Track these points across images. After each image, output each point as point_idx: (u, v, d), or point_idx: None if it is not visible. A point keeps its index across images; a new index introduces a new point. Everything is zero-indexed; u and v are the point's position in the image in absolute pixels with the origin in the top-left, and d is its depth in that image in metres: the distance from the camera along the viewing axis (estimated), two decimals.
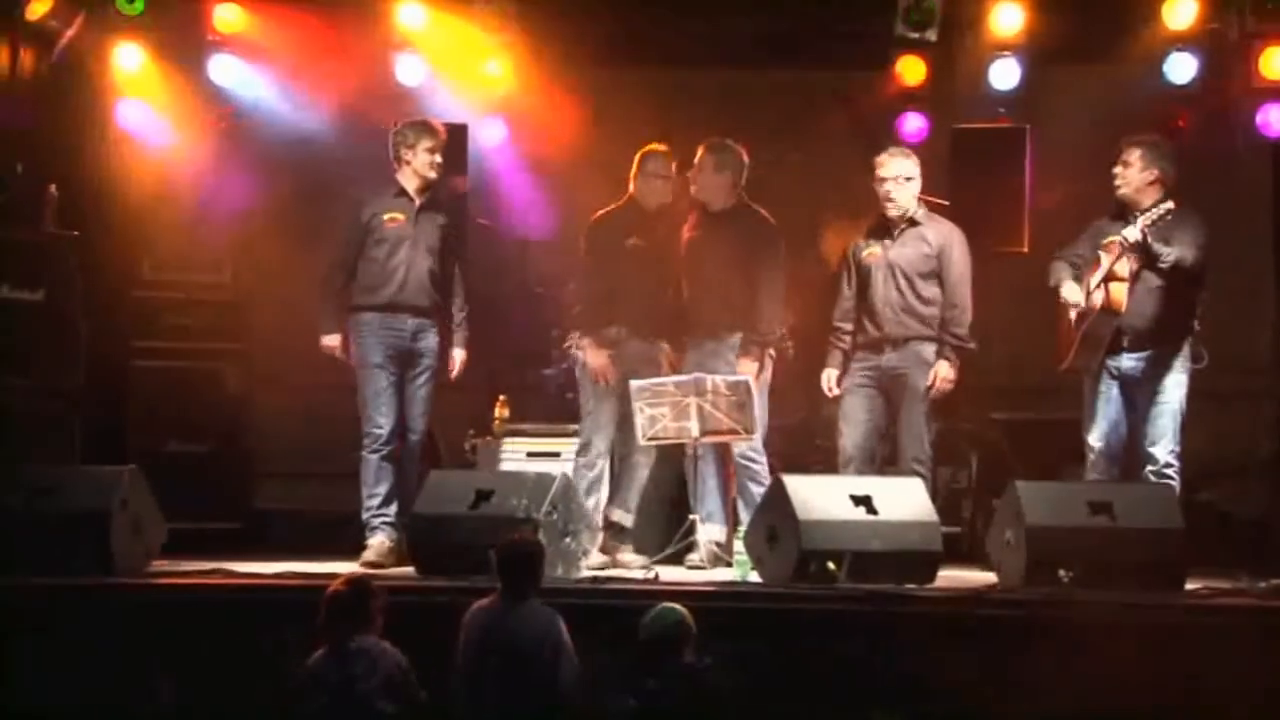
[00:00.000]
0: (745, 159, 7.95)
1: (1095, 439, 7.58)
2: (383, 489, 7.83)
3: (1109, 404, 7.56)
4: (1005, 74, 8.80)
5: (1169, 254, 7.35)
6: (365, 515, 7.83)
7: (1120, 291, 7.41)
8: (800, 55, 9.30)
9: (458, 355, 7.96)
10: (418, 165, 7.87)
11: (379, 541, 7.77)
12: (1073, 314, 7.59)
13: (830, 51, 9.22)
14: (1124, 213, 7.58)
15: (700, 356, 7.95)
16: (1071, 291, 7.56)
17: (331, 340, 7.91)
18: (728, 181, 7.94)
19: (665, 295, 7.98)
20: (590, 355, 7.95)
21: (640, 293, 7.90)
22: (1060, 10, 8.69)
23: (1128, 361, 7.52)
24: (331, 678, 5.69)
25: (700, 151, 8.00)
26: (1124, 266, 7.40)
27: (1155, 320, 7.47)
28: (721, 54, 9.28)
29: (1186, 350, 7.49)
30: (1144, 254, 7.36)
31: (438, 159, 7.89)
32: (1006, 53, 8.78)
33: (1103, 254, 7.50)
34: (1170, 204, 7.35)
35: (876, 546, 6.91)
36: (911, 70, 8.87)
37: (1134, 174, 7.53)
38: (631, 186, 7.98)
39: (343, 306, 7.92)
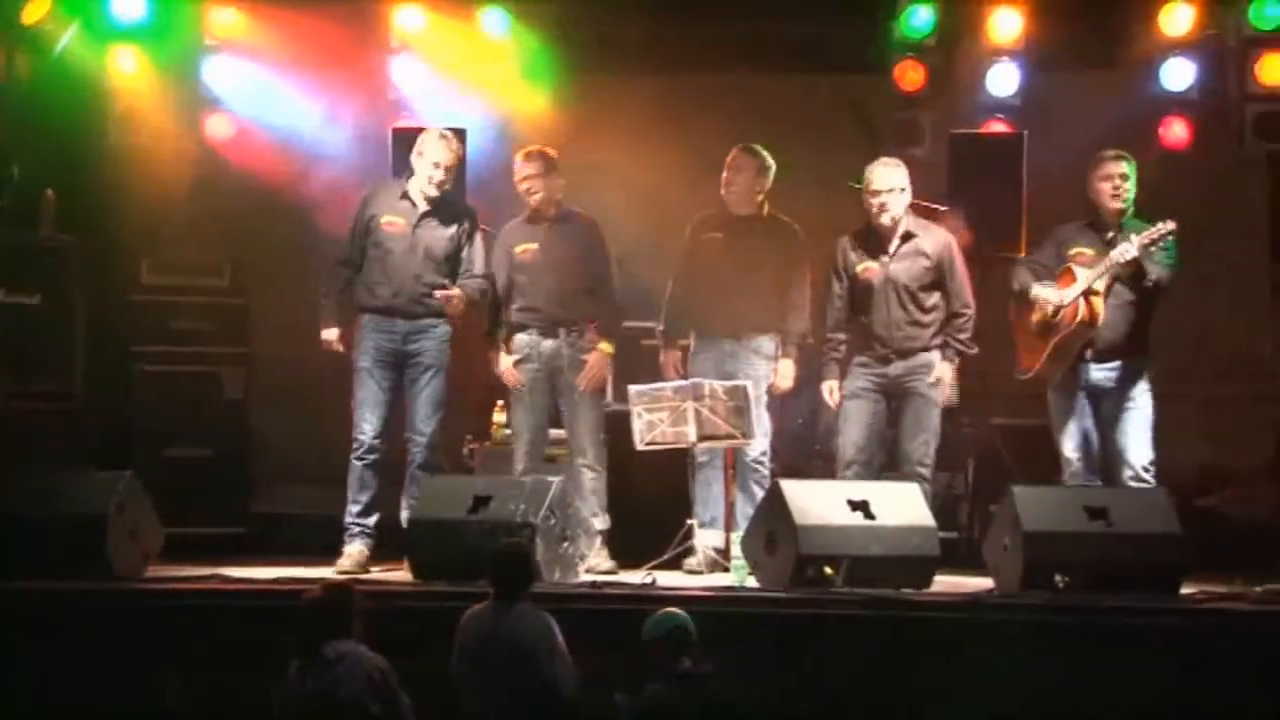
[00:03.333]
0: (773, 166, 7.99)
1: (1071, 450, 7.58)
2: (365, 496, 7.80)
3: (1080, 415, 7.56)
4: (1003, 79, 8.81)
5: (1156, 272, 7.37)
6: (346, 521, 7.81)
7: (1100, 305, 7.42)
8: (805, 60, 9.31)
9: (455, 290, 7.78)
10: (420, 175, 7.84)
11: (356, 550, 7.74)
12: (1034, 319, 7.58)
13: (836, 56, 9.22)
14: (1096, 224, 7.58)
15: (717, 356, 7.97)
16: (1046, 291, 7.55)
17: (329, 334, 7.89)
18: (760, 186, 7.98)
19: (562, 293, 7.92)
20: (498, 361, 7.97)
21: (535, 293, 7.90)
22: (1059, 16, 8.70)
23: (1096, 373, 7.53)
24: (309, 685, 5.67)
25: (736, 154, 8.02)
26: (1102, 281, 7.40)
27: (1124, 333, 7.49)
28: (723, 59, 9.28)
29: (1149, 361, 7.51)
30: (1135, 272, 7.36)
31: (439, 175, 7.78)
32: (1005, 58, 8.79)
33: (1077, 267, 7.48)
34: (1173, 224, 7.31)
35: (874, 551, 6.92)
36: (910, 75, 8.87)
37: (1131, 186, 7.54)
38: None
39: (345, 300, 7.90)
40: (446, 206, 7.90)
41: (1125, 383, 7.50)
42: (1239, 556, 7.87)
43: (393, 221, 7.87)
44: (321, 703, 5.62)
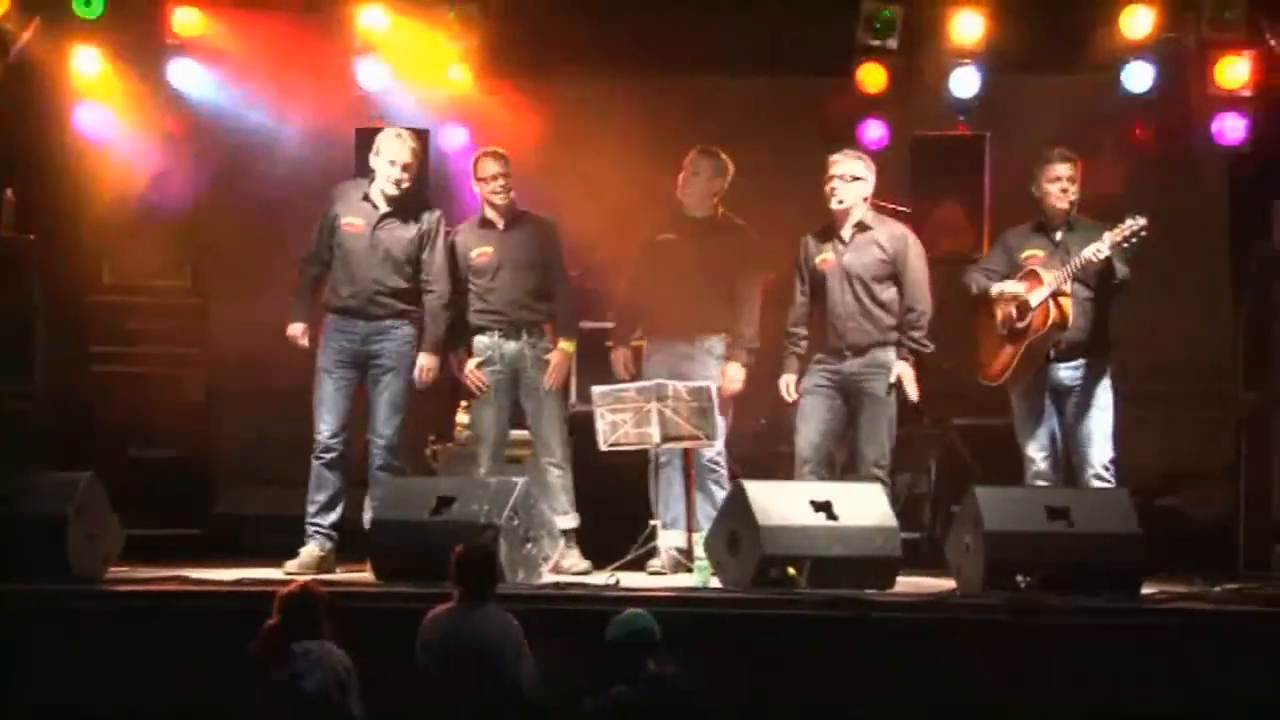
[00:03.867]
0: (731, 168, 8.00)
1: (1035, 450, 7.61)
2: (322, 496, 7.78)
3: (1044, 414, 7.59)
4: (965, 82, 8.85)
5: (1123, 270, 7.42)
6: (306, 521, 7.79)
7: (1069, 306, 7.45)
8: (769, 62, 9.34)
9: (421, 361, 7.85)
10: (379, 175, 7.83)
11: (308, 550, 7.70)
12: (1000, 318, 7.61)
13: (799, 58, 9.25)
14: (1044, 226, 7.61)
15: (671, 359, 7.97)
16: (1010, 285, 7.57)
17: (295, 329, 7.86)
18: (717, 188, 7.99)
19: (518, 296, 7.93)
20: (459, 364, 7.97)
21: (494, 297, 7.90)
22: (1020, 19, 8.74)
23: (1060, 372, 7.56)
24: (277, 679, 5.66)
25: (694, 156, 8.02)
26: (1069, 282, 7.44)
27: (1087, 332, 7.52)
28: (688, 61, 9.29)
29: (1111, 359, 7.55)
30: (1104, 270, 7.40)
31: (398, 174, 7.75)
32: (966, 61, 8.83)
33: (1040, 269, 7.50)
34: (1144, 220, 7.33)
35: (837, 552, 6.93)
36: (872, 78, 8.90)
37: (1077, 186, 7.58)
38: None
39: (313, 298, 7.88)
40: (407, 207, 7.87)
41: (1088, 381, 7.53)
42: (1199, 556, 7.93)
43: (352, 223, 7.84)
44: (288, 697, 5.59)
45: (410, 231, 7.85)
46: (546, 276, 7.94)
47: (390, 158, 7.78)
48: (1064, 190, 7.58)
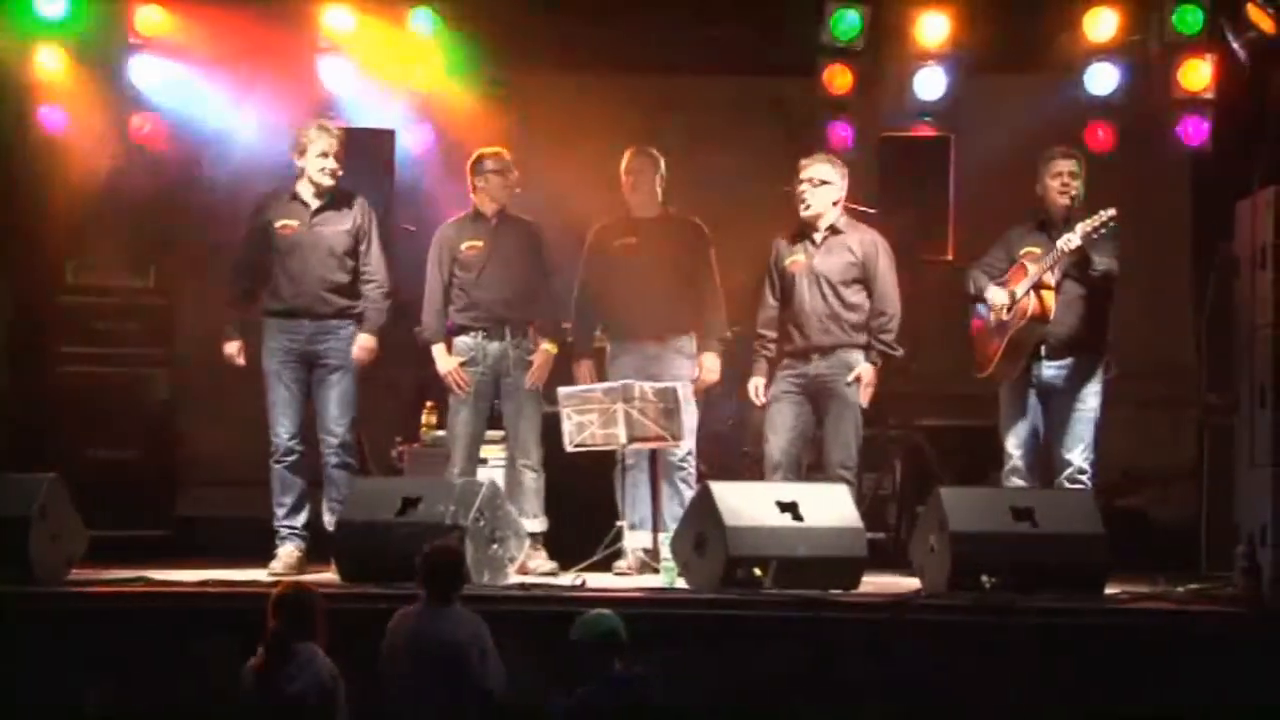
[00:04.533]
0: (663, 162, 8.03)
1: (1014, 446, 7.65)
2: (289, 498, 7.78)
3: (1028, 411, 7.63)
4: (930, 83, 8.87)
5: (1102, 263, 7.44)
6: (275, 524, 7.78)
7: (1051, 299, 7.48)
8: (735, 61, 9.34)
9: (360, 339, 7.79)
10: (310, 170, 7.78)
11: (287, 552, 7.71)
12: (991, 319, 7.65)
13: (765, 58, 9.26)
14: (1045, 223, 7.65)
15: (640, 360, 7.97)
16: (997, 295, 7.63)
17: (230, 349, 7.86)
18: (661, 185, 8.01)
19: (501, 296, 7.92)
20: (439, 361, 7.94)
21: (479, 292, 7.89)
22: (985, 21, 8.77)
23: (1048, 370, 7.60)
24: (264, 679, 5.64)
25: (633, 157, 8.03)
26: (1052, 275, 7.48)
27: (1076, 330, 7.56)
28: (654, 60, 9.29)
29: (1102, 360, 7.58)
30: (1080, 261, 7.44)
31: (331, 164, 7.76)
32: (932, 62, 8.85)
33: (1028, 263, 7.56)
34: (1113, 210, 7.39)
35: (802, 552, 6.94)
36: (838, 79, 8.91)
37: (1081, 184, 7.60)
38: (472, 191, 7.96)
39: (245, 312, 7.86)
40: (339, 201, 7.86)
41: (1076, 381, 7.55)
42: (1162, 557, 7.97)
43: (287, 224, 7.81)
44: (274, 697, 5.59)
45: (345, 223, 7.84)
46: (532, 277, 7.94)
47: (321, 150, 7.76)
48: (1064, 186, 7.61)
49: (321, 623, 5.74)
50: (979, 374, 7.75)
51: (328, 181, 7.79)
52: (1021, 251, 7.65)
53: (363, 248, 7.85)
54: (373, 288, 7.87)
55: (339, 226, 7.83)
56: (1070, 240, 7.39)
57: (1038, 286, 7.48)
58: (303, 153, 7.78)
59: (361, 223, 7.87)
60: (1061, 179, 7.62)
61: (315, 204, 7.82)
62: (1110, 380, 7.61)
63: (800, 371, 7.84)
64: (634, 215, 8.07)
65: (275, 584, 6.29)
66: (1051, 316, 7.49)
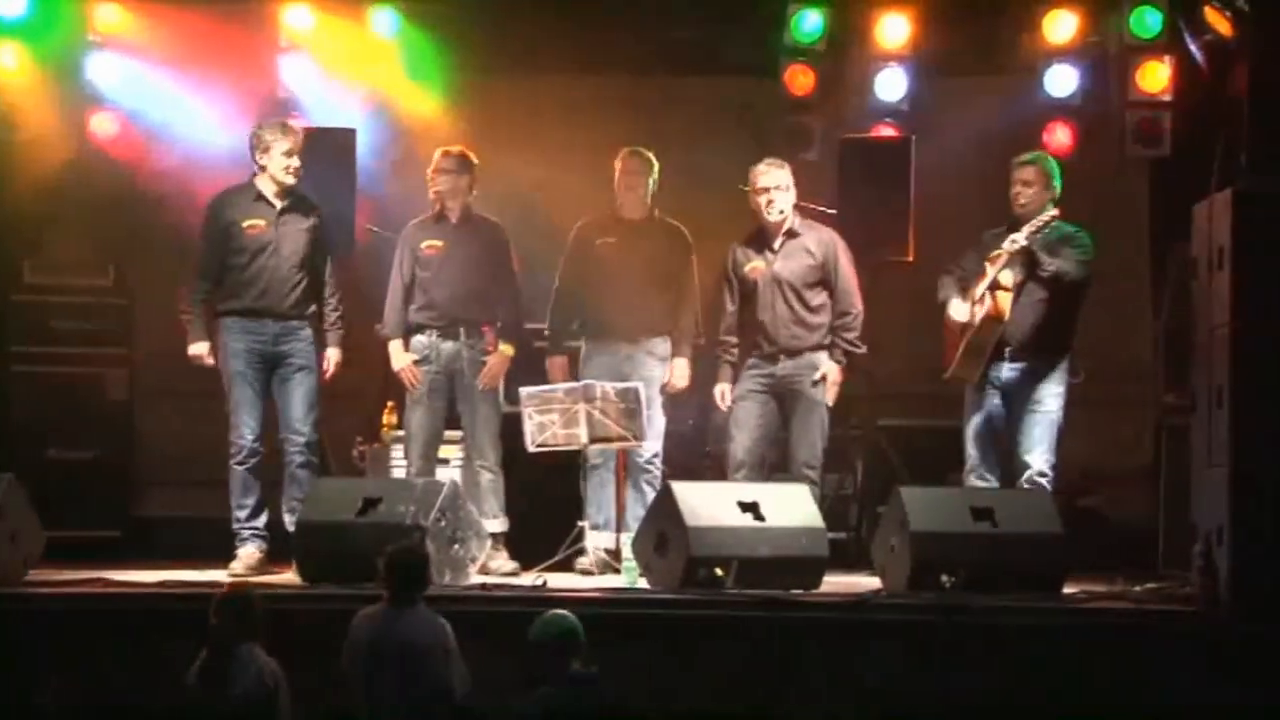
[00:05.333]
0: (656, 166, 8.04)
1: (972, 445, 7.68)
2: (250, 500, 7.75)
3: (989, 412, 7.67)
4: (892, 85, 8.89)
5: (1051, 263, 7.48)
6: (235, 526, 7.74)
7: (1006, 300, 7.52)
8: (699, 64, 9.35)
9: (331, 355, 7.83)
10: (274, 169, 7.75)
11: (248, 553, 7.68)
12: (959, 326, 7.69)
13: (729, 60, 9.26)
14: (1015, 227, 7.69)
15: (612, 361, 7.98)
16: (958, 310, 7.67)
17: (198, 349, 7.80)
18: (653, 188, 8.02)
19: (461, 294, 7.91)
20: (394, 357, 7.93)
21: (437, 290, 7.88)
22: (946, 23, 8.80)
23: (1008, 371, 7.64)
24: (207, 681, 5.62)
25: (628, 158, 8.04)
26: (1008, 276, 7.52)
27: (1037, 332, 7.59)
28: (619, 62, 9.29)
29: (1066, 363, 7.63)
30: (1028, 261, 7.49)
31: (295, 162, 7.74)
32: (893, 64, 8.87)
33: (988, 265, 7.61)
34: (1054, 211, 7.48)
35: (764, 553, 6.96)
36: (799, 79, 8.93)
37: (1036, 192, 7.63)
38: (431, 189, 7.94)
39: (210, 313, 7.82)
40: (300, 201, 7.85)
41: (1034, 382, 7.58)
42: (1120, 556, 8.02)
43: (254, 224, 7.77)
44: (216, 699, 5.57)
45: (307, 223, 7.82)
46: (494, 278, 7.93)
47: (284, 148, 7.73)
48: (1016, 194, 7.65)
49: (260, 622, 5.72)
50: (943, 376, 7.79)
51: (291, 180, 7.76)
52: (992, 254, 7.70)
53: (319, 261, 7.84)
54: (336, 300, 7.87)
55: (302, 225, 7.81)
56: (1015, 240, 7.45)
57: (993, 287, 7.52)
58: (265, 151, 7.75)
59: (320, 225, 7.85)
60: (1014, 187, 7.67)
61: (279, 204, 7.79)
62: (1073, 383, 7.63)
63: (767, 372, 7.87)
64: (620, 215, 8.07)
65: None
66: (1006, 317, 7.52)
